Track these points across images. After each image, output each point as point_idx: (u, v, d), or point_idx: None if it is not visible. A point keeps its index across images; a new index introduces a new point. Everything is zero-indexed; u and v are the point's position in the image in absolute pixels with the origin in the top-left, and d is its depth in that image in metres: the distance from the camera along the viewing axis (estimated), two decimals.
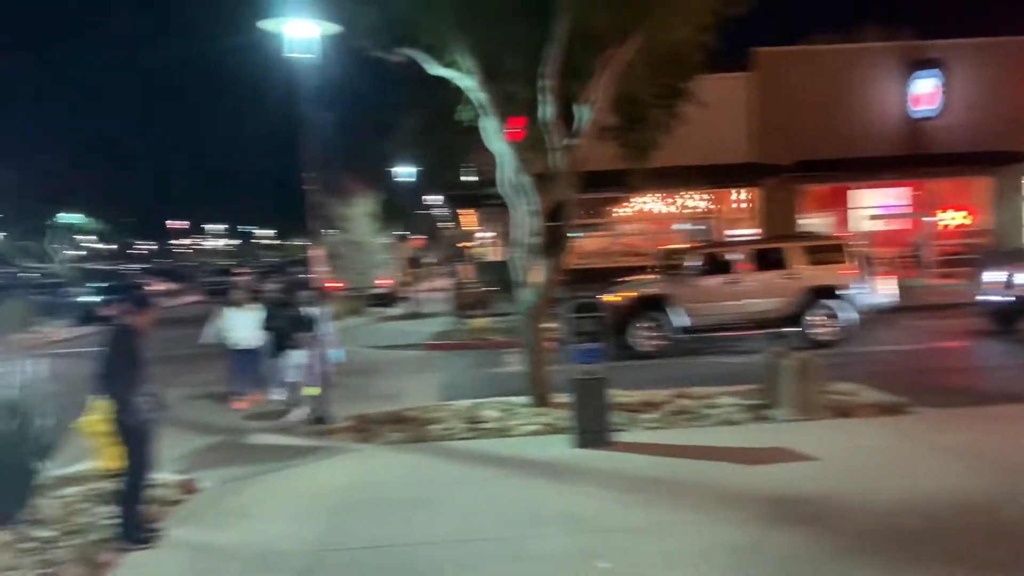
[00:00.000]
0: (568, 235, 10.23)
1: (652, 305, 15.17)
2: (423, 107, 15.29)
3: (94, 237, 38.54)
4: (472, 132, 11.33)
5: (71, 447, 7.23)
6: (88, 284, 32.47)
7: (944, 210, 26.26)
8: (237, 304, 12.09)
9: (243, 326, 11.71)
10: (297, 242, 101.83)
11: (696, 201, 26.53)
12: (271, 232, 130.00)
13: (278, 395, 11.26)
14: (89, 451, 7.72)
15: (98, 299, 28.76)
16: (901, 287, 16.72)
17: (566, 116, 9.83)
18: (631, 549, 5.82)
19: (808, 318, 15.16)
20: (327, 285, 18.10)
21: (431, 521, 6.52)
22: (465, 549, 5.96)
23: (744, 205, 26.41)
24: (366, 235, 29.02)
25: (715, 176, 24.11)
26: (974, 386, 11.10)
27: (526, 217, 10.22)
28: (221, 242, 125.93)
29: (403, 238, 37.89)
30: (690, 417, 9.45)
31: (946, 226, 26.30)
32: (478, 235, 42.68)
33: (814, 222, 24.79)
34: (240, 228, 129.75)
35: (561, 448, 8.40)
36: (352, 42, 10.19)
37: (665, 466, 7.68)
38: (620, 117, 10.79)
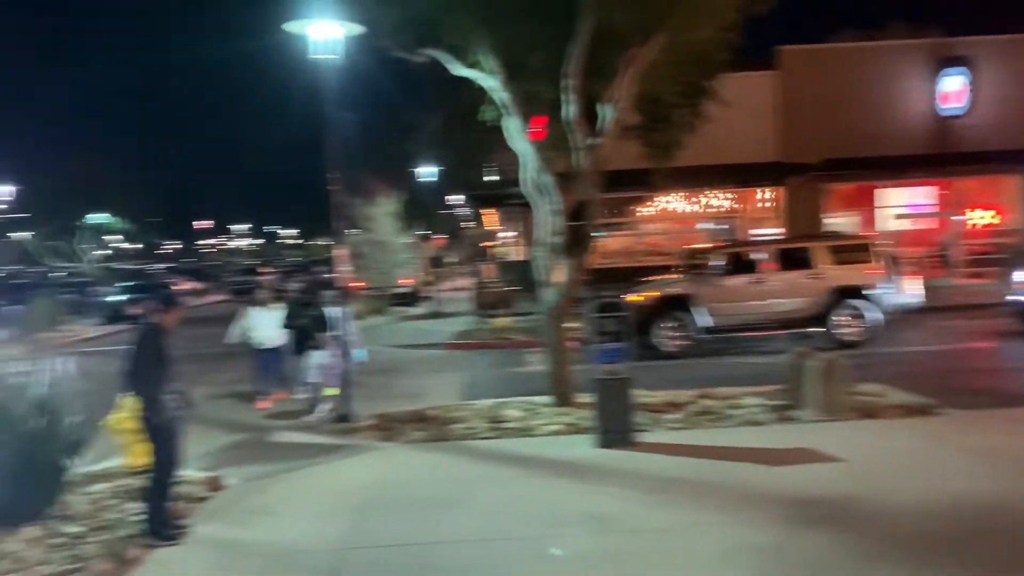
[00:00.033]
0: (591, 234, 10.21)
1: (676, 305, 15.11)
2: (445, 107, 15.36)
3: (120, 237, 38.92)
4: (494, 132, 11.35)
5: (100, 444, 7.32)
6: (116, 283, 32.87)
7: (972, 209, 25.92)
8: (261, 303, 12.19)
9: (267, 325, 11.80)
10: (320, 242, 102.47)
11: (720, 200, 26.37)
12: (294, 232, 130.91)
13: (302, 394, 11.34)
14: (117, 448, 7.84)
15: (124, 298, 29.11)
16: (928, 287, 16.53)
17: (589, 115, 9.81)
18: (654, 550, 5.80)
19: (833, 318, 15.02)
20: (351, 285, 18.22)
21: (454, 520, 6.54)
22: (488, 548, 5.97)
23: (768, 204, 26.21)
24: (389, 235, 29.12)
25: (739, 175, 23.97)
26: (1003, 388, 10.95)
27: (548, 216, 10.21)
28: (245, 242, 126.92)
29: (425, 238, 38.00)
30: (714, 418, 9.40)
31: (974, 225, 25.96)
32: (500, 234, 42.74)
33: (839, 221, 24.57)
34: (265, 228, 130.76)
35: (584, 448, 8.38)
36: (375, 43, 10.24)
37: (688, 466, 7.65)
38: (643, 116, 10.76)
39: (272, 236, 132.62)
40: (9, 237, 39.28)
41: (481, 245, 47.65)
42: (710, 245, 17.59)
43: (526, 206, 10.49)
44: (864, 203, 26.05)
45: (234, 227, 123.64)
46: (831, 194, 25.38)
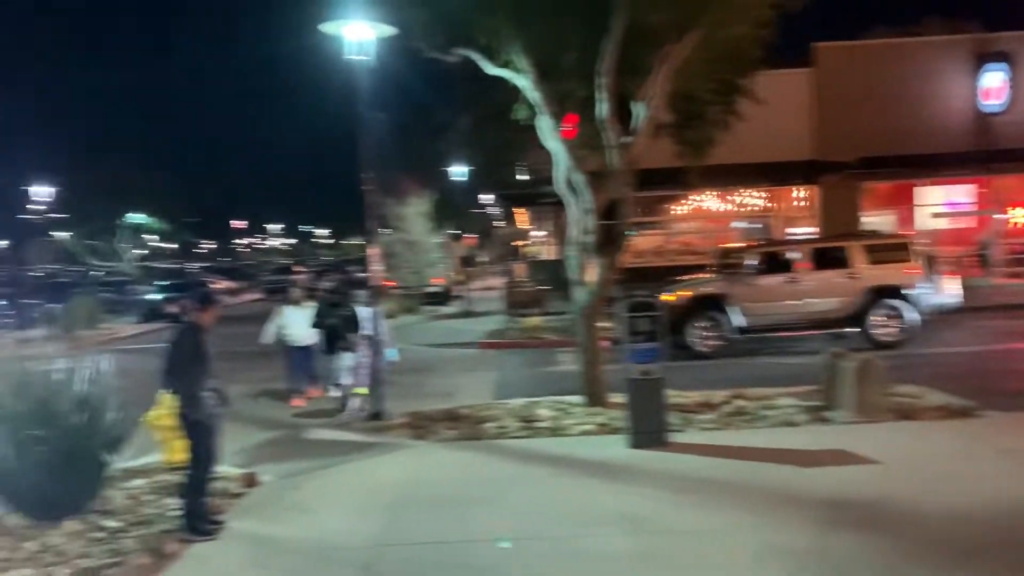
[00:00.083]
0: (624, 233, 10.18)
1: (709, 305, 15.01)
2: (477, 107, 15.38)
3: (156, 236, 39.54)
4: (526, 131, 11.34)
5: (139, 440, 7.44)
6: (154, 283, 33.43)
7: (1012, 207, 25.42)
8: (295, 302, 12.31)
9: (300, 323, 11.91)
10: (353, 241, 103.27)
11: (754, 199, 26.14)
12: (327, 231, 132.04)
13: (334, 392, 11.44)
14: (156, 444, 7.97)
15: (162, 297, 29.57)
16: (966, 287, 16.26)
17: (621, 114, 9.77)
18: (687, 550, 5.77)
19: (870, 318, 14.83)
20: (383, 283, 18.32)
21: (487, 519, 6.55)
22: (519, 547, 5.97)
23: (802, 203, 25.93)
24: (420, 234, 29.28)
25: (773, 173, 23.75)
26: None
27: (581, 215, 10.20)
28: (279, 241, 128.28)
29: (457, 237, 38.13)
30: (747, 418, 9.33)
31: (1014, 224, 25.45)
32: (531, 233, 42.75)
33: (875, 220, 24.24)
34: (300, 227, 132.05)
35: (616, 448, 8.36)
36: (408, 43, 10.29)
37: (722, 467, 7.59)
38: (677, 114, 10.69)
39: (307, 236, 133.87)
40: (52, 237, 40.05)
41: (512, 244, 47.75)
42: (744, 244, 17.44)
43: (558, 205, 10.49)
44: (901, 201, 25.67)
45: (268, 227, 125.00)
46: (867, 192, 25.04)
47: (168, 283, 32.68)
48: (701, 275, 16.72)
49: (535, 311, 22.14)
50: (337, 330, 11.07)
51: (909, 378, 10.63)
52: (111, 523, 6.57)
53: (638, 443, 8.30)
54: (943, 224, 25.30)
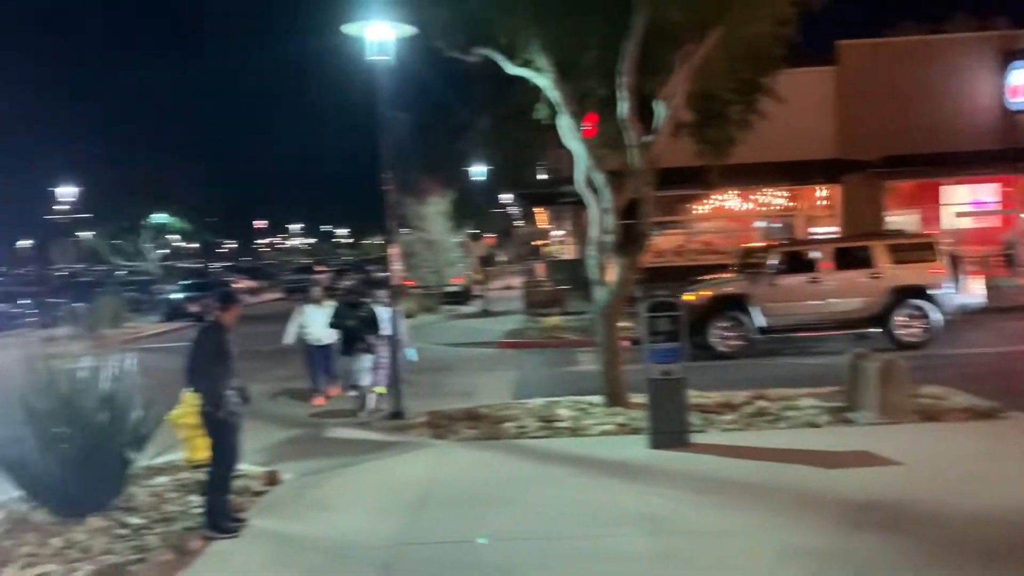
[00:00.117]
0: (645, 233, 10.14)
1: (731, 304, 14.93)
2: (496, 106, 15.42)
3: (178, 236, 39.88)
4: (545, 130, 11.34)
5: (162, 438, 7.51)
6: (177, 282, 33.75)
7: None
8: (316, 301, 12.37)
9: (321, 323, 11.96)
10: (372, 240, 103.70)
11: (776, 198, 25.95)
12: (346, 231, 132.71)
13: (352, 392, 11.46)
14: (179, 442, 8.04)
15: (184, 296, 29.83)
16: (991, 287, 16.08)
17: (642, 112, 9.74)
18: (708, 551, 5.74)
19: (893, 318, 14.70)
20: (403, 283, 18.36)
21: (506, 518, 6.55)
22: (541, 547, 5.97)
23: (825, 203, 25.72)
24: (440, 234, 29.32)
25: (795, 172, 23.57)
26: None
27: (601, 214, 10.17)
28: (299, 241, 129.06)
29: (476, 237, 38.16)
30: (769, 419, 9.27)
31: None
32: (551, 233, 42.73)
33: (898, 219, 24.00)
34: (321, 227, 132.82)
35: (636, 448, 8.33)
36: (428, 43, 10.31)
37: (743, 468, 7.55)
38: (698, 113, 10.64)
39: (327, 235, 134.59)
40: (77, 237, 40.52)
41: (532, 244, 47.73)
42: (766, 244, 17.33)
43: (577, 204, 10.47)
44: (926, 200, 25.38)
45: (290, 226, 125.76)
46: (890, 191, 24.79)
47: (190, 282, 32.99)
48: (722, 275, 16.62)
49: (554, 311, 22.13)
50: (354, 332, 11.06)
51: (933, 379, 10.52)
52: (135, 520, 6.63)
53: (658, 443, 8.27)
54: (968, 223, 24.99)
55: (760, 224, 26.11)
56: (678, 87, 9.57)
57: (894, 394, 8.91)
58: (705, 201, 26.06)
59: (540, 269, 31.31)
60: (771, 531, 6.00)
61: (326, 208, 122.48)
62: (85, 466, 6.61)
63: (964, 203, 25.38)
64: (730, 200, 26.08)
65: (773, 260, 15.25)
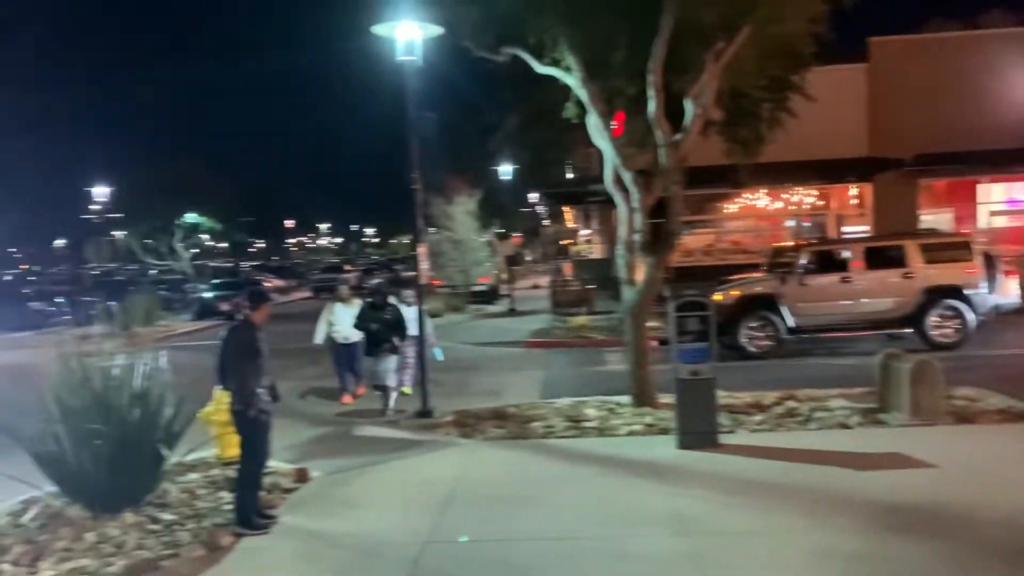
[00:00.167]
0: (674, 232, 10.08)
1: (761, 304, 14.81)
2: (524, 106, 15.39)
3: (207, 235, 40.28)
4: (573, 129, 11.32)
5: (194, 435, 7.60)
6: (208, 281, 34.14)
7: None
8: (343, 300, 12.44)
9: (348, 321, 12.01)
10: (400, 240, 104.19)
11: (807, 197, 25.68)
12: (371, 231, 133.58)
13: (378, 391, 11.49)
14: (211, 439, 8.14)
15: (213, 295, 30.15)
16: None
17: (671, 111, 9.69)
18: (737, 552, 5.70)
19: (927, 319, 14.50)
20: (430, 282, 18.42)
21: (534, 517, 6.55)
22: (568, 547, 5.96)
23: (856, 201, 25.42)
24: (467, 233, 29.37)
25: (827, 171, 23.31)
26: None
27: (630, 214, 10.14)
28: (325, 240, 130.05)
29: (503, 236, 38.17)
30: (799, 420, 9.18)
31: None
32: (578, 232, 42.64)
33: (930, 218, 23.67)
34: (349, 227, 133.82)
35: (665, 449, 8.29)
36: (457, 43, 10.34)
37: (772, 469, 7.49)
38: (727, 112, 10.56)
39: (356, 235, 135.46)
40: (112, 236, 41.12)
41: (559, 243, 47.67)
42: (796, 243, 17.17)
43: (605, 203, 10.45)
44: (960, 199, 24.98)
45: (319, 226, 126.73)
46: (923, 190, 24.44)
47: (221, 281, 33.34)
48: (752, 274, 16.50)
49: (581, 310, 22.09)
50: (378, 334, 11.06)
51: (967, 380, 10.37)
52: (167, 516, 6.71)
53: (687, 444, 8.22)
54: (1003, 222, 24.57)
55: (790, 223, 25.87)
56: (707, 85, 9.51)
57: (927, 395, 8.79)
58: (734, 200, 25.86)
59: (567, 268, 31.29)
60: (801, 533, 5.94)
61: (354, 207, 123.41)
62: (118, 462, 6.70)
63: (999, 202, 24.96)
64: (760, 199, 25.85)
65: (803, 259, 15.10)
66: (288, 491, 7.51)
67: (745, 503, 6.62)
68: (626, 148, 10.33)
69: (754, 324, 14.72)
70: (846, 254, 15.30)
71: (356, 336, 11.88)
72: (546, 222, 54.21)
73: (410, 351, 11.87)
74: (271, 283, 40.31)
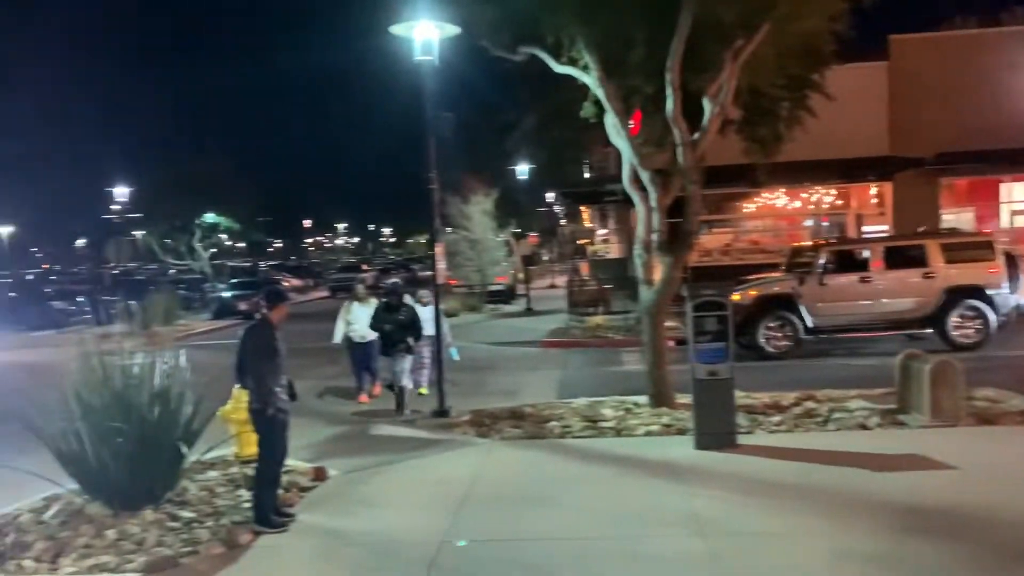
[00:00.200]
0: (692, 231, 10.04)
1: (780, 304, 14.72)
2: (541, 105, 15.38)
3: (225, 235, 40.50)
4: (590, 128, 11.29)
5: (213, 433, 7.65)
6: (227, 280, 34.36)
7: None
8: (360, 299, 12.47)
9: (364, 320, 12.03)
10: (416, 239, 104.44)
11: (826, 196, 25.49)
12: (388, 230, 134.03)
13: (394, 391, 11.52)
14: (230, 437, 8.19)
15: (232, 294, 30.34)
16: None
17: (689, 110, 9.65)
18: (755, 553, 5.66)
19: (948, 319, 14.37)
20: (447, 282, 18.44)
21: (551, 517, 6.55)
22: (585, 547, 5.95)
23: (876, 200, 25.21)
24: (484, 232, 29.38)
25: (847, 170, 23.13)
26: None
27: (647, 213, 10.10)
28: (342, 240, 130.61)
29: (520, 235, 38.17)
30: (818, 420, 9.12)
31: None
32: (595, 231, 42.56)
33: (951, 217, 23.44)
34: (364, 226, 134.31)
35: (682, 449, 8.26)
36: (474, 43, 10.35)
37: (791, 470, 7.44)
38: (746, 110, 10.51)
39: (373, 234, 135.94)
40: (133, 236, 41.46)
41: (576, 242, 47.59)
42: (815, 242, 17.06)
43: (622, 203, 10.43)
44: (981, 198, 24.72)
45: (336, 225, 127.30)
46: (945, 189, 24.20)
47: (239, 281, 33.55)
48: (771, 274, 16.40)
49: (599, 310, 22.05)
50: (392, 335, 11.07)
51: (988, 381, 10.26)
52: (186, 513, 6.76)
53: (704, 444, 8.18)
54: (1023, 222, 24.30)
55: (809, 223, 25.69)
56: (726, 84, 9.46)
57: (947, 396, 8.71)
58: (753, 199, 25.71)
59: (584, 268, 31.22)
60: (820, 534, 5.90)
61: (371, 207, 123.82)
62: (138, 460, 6.76)
63: (1021, 201, 24.67)
64: (778, 198, 25.68)
65: (823, 259, 15.00)
66: (306, 489, 7.54)
67: (763, 504, 6.59)
68: (644, 147, 10.30)
69: (772, 324, 14.64)
70: (866, 254, 15.20)
71: (372, 335, 11.91)
72: (563, 221, 54.18)
73: (426, 351, 11.88)
74: (289, 283, 40.50)
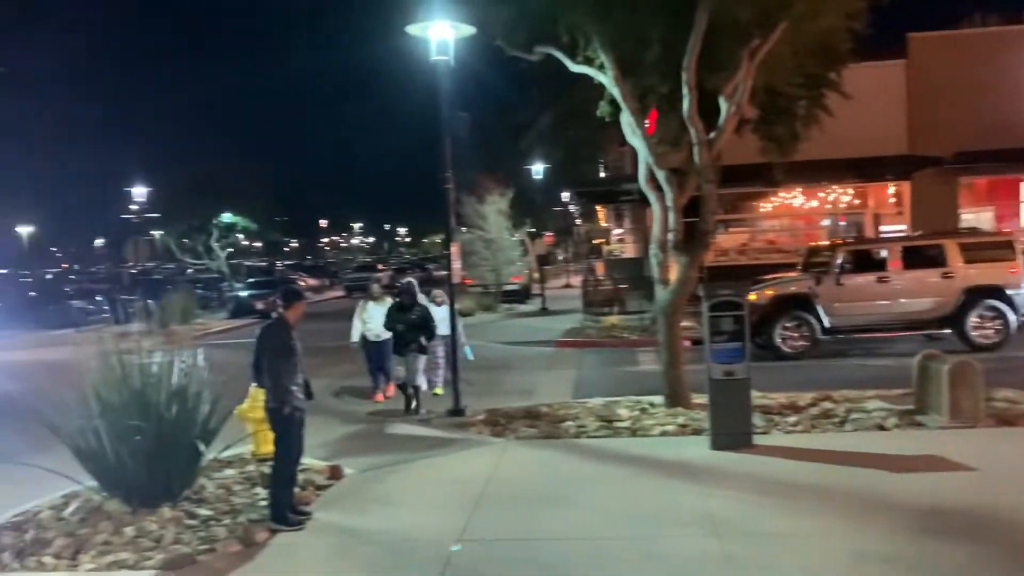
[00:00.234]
0: (708, 231, 10.00)
1: (796, 304, 14.64)
2: (557, 105, 15.38)
3: (242, 235, 40.76)
4: (606, 128, 11.27)
5: (230, 431, 7.69)
6: (244, 280, 34.56)
7: None
8: (375, 298, 12.50)
9: (379, 319, 12.04)
10: (431, 239, 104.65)
11: (843, 196, 25.33)
12: (403, 230, 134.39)
13: (410, 390, 11.53)
14: (247, 436, 8.23)
15: (248, 293, 30.51)
16: None
17: (705, 109, 9.62)
18: (771, 554, 5.63)
19: (967, 319, 14.25)
20: (462, 281, 18.46)
21: (566, 517, 6.54)
22: (600, 547, 5.94)
23: (894, 200, 25.02)
24: (499, 232, 29.40)
25: (865, 169, 22.98)
26: None
27: (663, 212, 10.08)
28: (358, 239, 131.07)
29: (535, 235, 38.17)
30: (835, 421, 9.07)
31: None
32: (611, 231, 42.49)
33: (970, 217, 23.23)
34: (379, 226, 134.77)
35: (698, 449, 8.23)
36: (489, 43, 10.35)
37: (808, 471, 7.40)
38: (762, 109, 10.46)
39: (388, 234, 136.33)
40: (151, 236, 41.80)
41: (592, 242, 47.54)
42: (834, 242, 16.96)
43: (638, 202, 10.40)
44: (1003, 197, 24.50)
45: (350, 225, 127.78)
46: (964, 188, 23.99)
47: (256, 280, 33.73)
48: (787, 274, 16.32)
49: (614, 310, 22.01)
50: (405, 335, 11.05)
51: (1008, 382, 10.16)
52: (203, 511, 6.80)
53: (720, 445, 8.15)
54: None
55: (826, 222, 25.53)
56: (742, 83, 9.42)
57: (966, 397, 8.63)
58: (769, 199, 25.59)
59: (600, 268, 31.18)
60: (837, 535, 5.87)
61: (387, 207, 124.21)
62: (156, 458, 6.81)
63: None
64: (795, 197, 25.53)
65: (840, 259, 14.91)
66: (322, 488, 7.58)
67: (779, 504, 6.56)
68: (659, 146, 10.27)
69: (789, 324, 14.56)
70: (884, 253, 15.09)
71: (387, 334, 11.93)
72: (578, 221, 54.13)
73: (440, 351, 11.90)
74: (305, 282, 40.70)
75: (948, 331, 14.32)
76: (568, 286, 35.78)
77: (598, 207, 41.31)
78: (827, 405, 9.63)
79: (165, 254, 43.66)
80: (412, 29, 10.08)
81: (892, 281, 14.65)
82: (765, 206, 25.76)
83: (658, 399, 10.13)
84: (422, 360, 11.11)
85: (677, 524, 6.25)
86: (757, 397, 9.16)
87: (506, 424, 9.71)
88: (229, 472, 7.90)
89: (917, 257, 14.80)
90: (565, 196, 39.56)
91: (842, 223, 25.36)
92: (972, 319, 14.28)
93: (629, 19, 9.15)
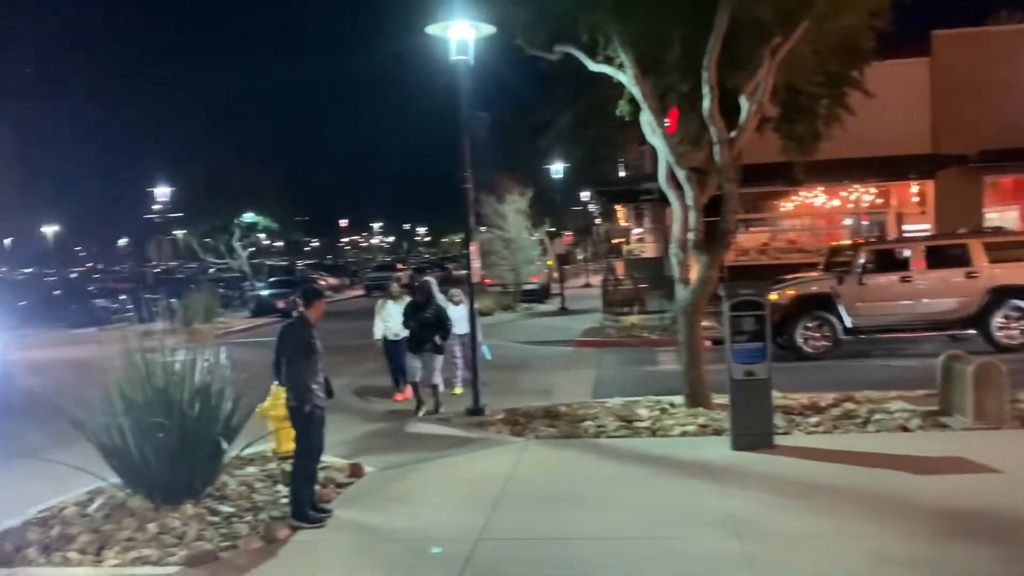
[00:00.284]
0: (729, 230, 9.95)
1: (818, 304, 14.54)
2: (576, 104, 15.35)
3: (263, 234, 41.02)
4: (626, 127, 11.23)
5: (252, 429, 7.75)
6: (266, 279, 34.80)
7: None
8: (394, 297, 12.55)
9: (397, 318, 12.08)
10: (451, 238, 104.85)
11: (866, 195, 25.10)
12: (423, 229, 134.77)
13: (427, 389, 11.54)
14: (268, 434, 8.30)
15: (270, 292, 30.70)
16: None
17: (726, 108, 9.57)
18: (792, 555, 5.60)
19: (992, 319, 14.09)
20: (481, 281, 18.47)
21: (585, 517, 6.54)
22: (620, 547, 5.93)
23: (918, 199, 24.77)
24: (518, 231, 29.40)
25: (888, 168, 22.75)
26: None
27: (684, 212, 10.04)
28: (378, 239, 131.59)
29: (555, 234, 38.13)
30: (857, 422, 9.00)
31: None
32: (631, 230, 42.37)
33: (995, 216, 22.95)
34: (400, 225, 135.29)
35: (718, 450, 8.20)
36: (509, 42, 10.36)
37: (829, 472, 7.35)
38: (784, 108, 10.40)
39: (408, 233, 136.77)
40: (174, 236, 42.20)
41: (611, 241, 47.44)
42: (856, 241, 16.82)
43: (659, 201, 10.36)
44: None
45: (371, 224, 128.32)
46: (989, 187, 23.70)
47: (277, 279, 33.96)
48: (809, 273, 16.21)
49: (634, 309, 21.95)
50: (420, 334, 11.05)
51: None
52: (226, 508, 6.86)
53: (741, 445, 8.12)
54: None
55: (848, 222, 25.32)
56: (763, 82, 9.37)
57: (991, 398, 8.53)
58: (791, 198, 25.40)
59: (619, 267, 31.10)
60: (858, 536, 5.82)
61: (406, 206, 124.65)
62: (179, 455, 6.87)
63: None
64: (817, 197, 25.32)
65: (862, 259, 14.79)
66: (342, 486, 7.62)
67: (800, 505, 6.52)
68: (680, 145, 10.24)
69: (811, 324, 14.47)
70: (907, 253, 14.96)
71: (405, 333, 11.96)
72: (598, 220, 54.03)
73: (457, 350, 11.91)
74: (325, 281, 40.89)
75: (972, 331, 14.18)
76: (587, 285, 35.72)
77: (618, 206, 41.18)
78: (849, 406, 9.56)
79: (188, 253, 44.06)
80: (432, 29, 10.11)
81: (915, 281, 14.52)
82: (786, 205, 25.58)
83: (678, 399, 10.10)
84: (439, 360, 11.13)
85: (698, 524, 6.23)
86: (778, 397, 9.12)
87: (525, 424, 9.72)
88: (251, 469, 7.96)
89: (941, 257, 14.66)
90: (585, 195, 39.45)
91: (864, 223, 25.13)
92: (997, 319, 14.12)
93: (649, 18, 9.12)
